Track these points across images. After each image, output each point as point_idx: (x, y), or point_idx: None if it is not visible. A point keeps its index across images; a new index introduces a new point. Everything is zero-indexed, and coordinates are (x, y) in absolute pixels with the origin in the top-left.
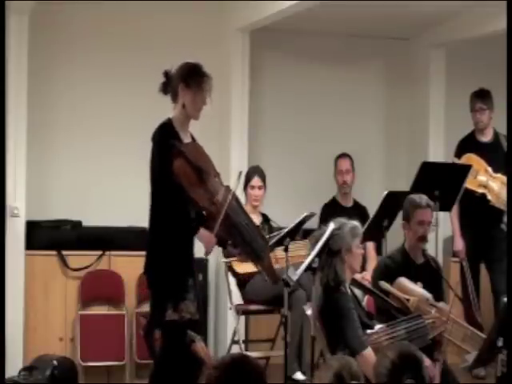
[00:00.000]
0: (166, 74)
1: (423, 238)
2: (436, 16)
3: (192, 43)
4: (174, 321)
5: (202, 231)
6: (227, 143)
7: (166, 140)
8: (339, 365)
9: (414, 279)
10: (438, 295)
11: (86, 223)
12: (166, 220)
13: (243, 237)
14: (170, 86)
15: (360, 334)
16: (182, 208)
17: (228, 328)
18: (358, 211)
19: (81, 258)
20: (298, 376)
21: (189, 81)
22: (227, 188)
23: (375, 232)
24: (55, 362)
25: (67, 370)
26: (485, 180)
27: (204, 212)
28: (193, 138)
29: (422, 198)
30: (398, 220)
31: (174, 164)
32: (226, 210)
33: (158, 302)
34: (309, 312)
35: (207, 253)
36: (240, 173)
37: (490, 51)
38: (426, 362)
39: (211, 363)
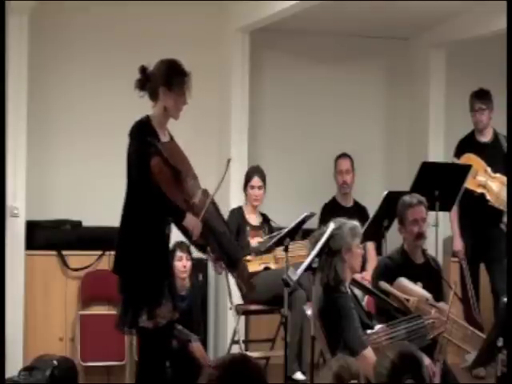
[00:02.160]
0: (144, 71)
1: (421, 235)
2: (436, 16)
3: (192, 43)
4: (147, 327)
5: (189, 216)
6: (227, 143)
7: (144, 138)
8: (339, 365)
9: (414, 279)
10: (438, 295)
11: (85, 223)
12: (141, 217)
13: (219, 244)
14: (148, 84)
15: (360, 334)
16: (161, 199)
17: (228, 328)
18: (358, 211)
19: (81, 258)
20: (298, 376)
21: (171, 83)
22: (205, 191)
23: (375, 232)
24: (55, 362)
25: (67, 370)
26: (484, 180)
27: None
28: (170, 137)
29: (413, 197)
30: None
31: (152, 162)
32: (204, 214)
33: (131, 306)
34: (309, 312)
35: (195, 237)
36: (228, 160)
37: (490, 51)
38: (426, 361)
39: (206, 363)
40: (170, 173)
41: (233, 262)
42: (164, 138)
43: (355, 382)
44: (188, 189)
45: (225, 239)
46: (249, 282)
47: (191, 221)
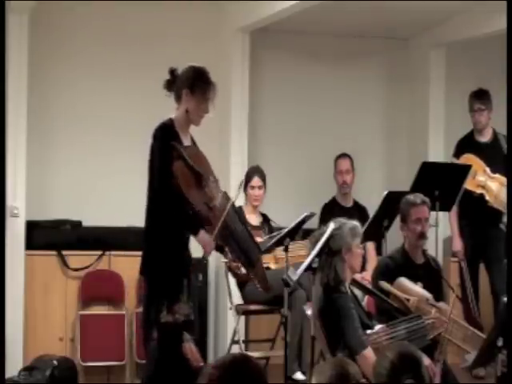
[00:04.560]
0: (172, 73)
1: (422, 235)
2: (436, 16)
3: (192, 43)
4: (169, 322)
5: (202, 234)
6: (227, 143)
7: (167, 141)
8: (334, 366)
9: (414, 279)
10: (439, 295)
11: (85, 223)
12: (163, 220)
13: (238, 244)
14: (174, 85)
15: (360, 334)
16: (179, 208)
17: (228, 328)
18: (358, 211)
19: (81, 258)
20: (298, 376)
21: (194, 88)
22: (225, 194)
23: (375, 232)
24: (55, 362)
25: (67, 370)
26: (483, 180)
27: (200, 216)
28: (193, 141)
29: (417, 196)
30: (398, 220)
31: (174, 166)
32: (224, 218)
33: (154, 303)
34: (309, 312)
35: (205, 256)
36: (241, 182)
37: (490, 51)
38: (426, 361)
39: (198, 364)
40: (191, 176)
41: (251, 262)
42: (186, 142)
43: (364, 381)
44: (209, 192)
45: (242, 239)
46: (265, 281)
47: (204, 238)
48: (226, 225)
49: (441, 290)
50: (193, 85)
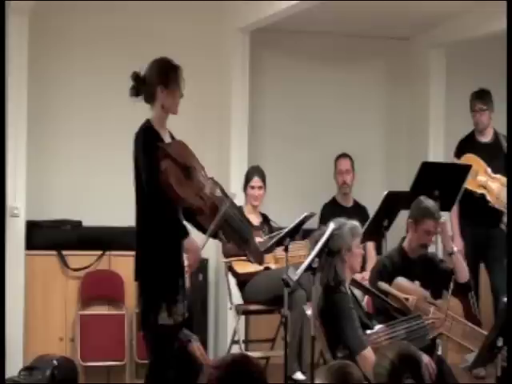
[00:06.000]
0: (137, 77)
1: (425, 246)
2: (436, 16)
3: (192, 43)
4: (167, 324)
5: (191, 240)
6: (227, 144)
7: (150, 142)
8: (336, 370)
9: (411, 276)
10: (437, 290)
11: (85, 223)
12: (155, 222)
13: (231, 226)
14: (143, 88)
15: (360, 334)
16: (171, 209)
17: (228, 328)
18: (358, 211)
19: (81, 258)
20: (298, 376)
21: (167, 81)
22: (213, 180)
23: (375, 232)
24: (55, 362)
25: (67, 370)
26: (484, 180)
27: (192, 208)
28: (171, 135)
29: (435, 208)
30: (398, 220)
31: (162, 165)
32: (215, 203)
33: (151, 305)
34: (309, 312)
35: (190, 268)
36: (232, 196)
37: (490, 51)
38: (425, 358)
39: (207, 363)
40: (180, 172)
41: (244, 239)
42: (166, 139)
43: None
44: (197, 182)
45: (235, 220)
46: (257, 253)
47: (192, 244)
48: (216, 209)
49: (438, 285)
50: (166, 79)
